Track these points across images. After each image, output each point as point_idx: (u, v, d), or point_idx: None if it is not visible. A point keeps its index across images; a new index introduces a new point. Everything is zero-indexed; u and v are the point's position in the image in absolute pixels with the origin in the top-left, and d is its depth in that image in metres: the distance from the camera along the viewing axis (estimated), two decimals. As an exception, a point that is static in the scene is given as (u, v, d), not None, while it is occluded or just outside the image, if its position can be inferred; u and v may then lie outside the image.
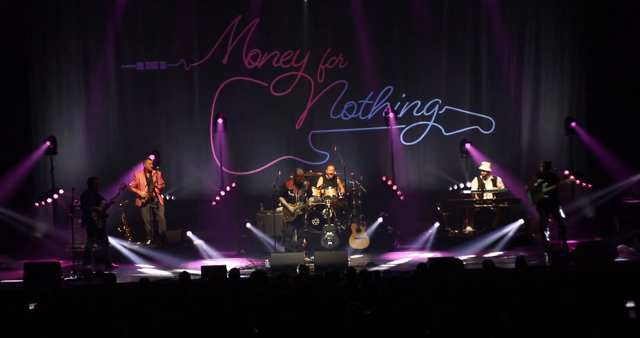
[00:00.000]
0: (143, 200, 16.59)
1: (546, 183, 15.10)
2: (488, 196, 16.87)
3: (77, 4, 18.12)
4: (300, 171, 16.37)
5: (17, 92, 18.00)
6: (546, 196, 15.10)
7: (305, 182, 16.42)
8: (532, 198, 15.37)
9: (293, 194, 16.26)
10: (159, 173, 16.94)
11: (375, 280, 10.28)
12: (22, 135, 17.88)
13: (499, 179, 17.05)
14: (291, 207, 16.16)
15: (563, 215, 15.21)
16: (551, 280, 9.27)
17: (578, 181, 16.53)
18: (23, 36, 17.89)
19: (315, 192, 16.76)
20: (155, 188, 16.65)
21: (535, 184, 15.15)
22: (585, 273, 12.05)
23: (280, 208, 16.38)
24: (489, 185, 16.91)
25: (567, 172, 16.51)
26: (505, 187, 16.95)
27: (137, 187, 16.65)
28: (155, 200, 16.71)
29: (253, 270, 12.96)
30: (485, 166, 17.05)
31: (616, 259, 13.83)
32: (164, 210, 16.95)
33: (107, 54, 18.32)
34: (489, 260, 11.11)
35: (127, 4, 18.04)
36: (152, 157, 16.94)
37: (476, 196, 16.89)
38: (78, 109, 18.28)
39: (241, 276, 11.59)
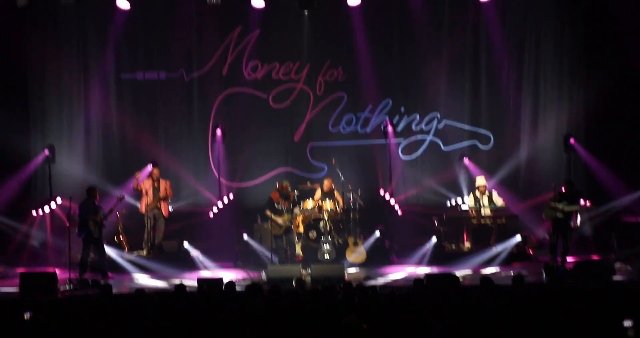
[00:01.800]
0: (148, 208, 16.66)
1: (565, 202, 15.03)
2: (486, 212, 16.84)
3: (77, 14, 18.10)
4: (285, 183, 16.35)
5: (16, 101, 18.02)
6: (561, 216, 15.03)
7: (290, 193, 16.37)
8: (547, 214, 15.28)
9: (280, 206, 16.18)
10: (168, 182, 17.00)
11: (371, 294, 10.25)
12: (21, 144, 17.84)
13: (494, 193, 17.02)
14: (279, 220, 16.10)
15: (571, 238, 15.20)
16: (548, 298, 9.24)
17: (584, 202, 16.35)
18: (23, 45, 17.88)
19: (312, 203, 16.75)
20: (162, 201, 16.71)
21: (555, 204, 15.03)
22: (582, 292, 12.01)
23: (269, 221, 16.28)
24: (485, 200, 16.89)
25: (583, 202, 16.22)
26: (501, 200, 16.88)
27: (141, 194, 16.74)
28: (159, 209, 16.75)
29: (247, 282, 12.93)
30: (481, 181, 17.03)
31: (614, 278, 13.81)
32: (164, 221, 16.94)
33: (107, 63, 18.35)
34: (486, 276, 11.08)
35: (128, 13, 18.03)
36: (155, 166, 17.01)
37: (473, 212, 16.84)
38: (77, 118, 18.30)
39: (237, 288, 11.55)
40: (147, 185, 16.82)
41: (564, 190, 15.32)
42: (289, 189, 16.38)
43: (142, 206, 16.85)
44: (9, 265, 16.10)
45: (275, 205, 16.16)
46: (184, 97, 18.71)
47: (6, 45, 17.49)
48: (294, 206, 16.29)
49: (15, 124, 17.78)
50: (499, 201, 16.84)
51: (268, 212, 16.10)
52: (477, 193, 16.89)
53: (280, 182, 16.39)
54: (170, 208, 17.23)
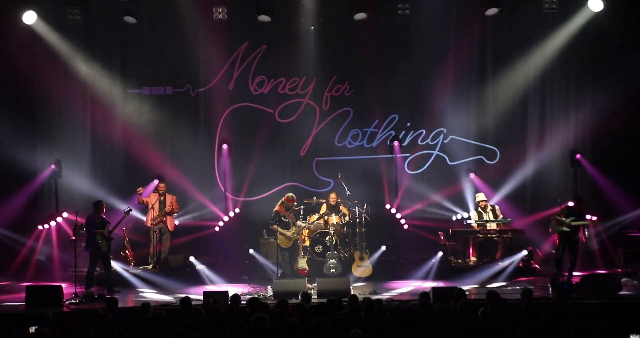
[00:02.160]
0: (153, 222, 16.70)
1: (573, 218, 15.02)
2: (492, 226, 16.83)
3: (84, 28, 18.17)
4: (290, 195, 16.38)
5: (23, 115, 18.06)
6: (567, 229, 15.02)
7: (293, 207, 16.37)
8: (554, 228, 15.25)
9: (286, 220, 16.22)
10: (174, 197, 17.07)
11: (377, 309, 10.24)
12: (28, 158, 17.88)
13: (497, 207, 17.03)
14: (288, 233, 16.11)
15: (578, 253, 15.17)
16: (555, 312, 9.22)
17: (590, 217, 16.30)
18: (30, 60, 17.94)
19: (318, 219, 16.78)
20: (167, 215, 16.76)
21: (563, 218, 15.02)
22: (589, 306, 12.01)
23: (277, 235, 16.25)
24: (487, 215, 16.88)
25: (590, 217, 16.18)
26: (504, 216, 16.88)
27: (147, 207, 16.81)
28: (164, 223, 16.80)
29: (253, 296, 12.93)
30: (481, 196, 17.04)
31: (620, 292, 13.78)
32: (170, 236, 16.98)
33: (114, 78, 18.40)
34: (493, 291, 11.06)
35: (134, 29, 18.11)
36: (160, 181, 17.05)
37: (477, 226, 16.84)
38: (84, 133, 18.36)
39: (242, 302, 11.55)
40: (153, 200, 16.93)
41: (572, 205, 15.31)
42: (295, 202, 16.39)
43: (147, 220, 16.94)
44: (15, 279, 16.11)
45: (282, 219, 16.17)
46: (190, 111, 18.75)
47: (13, 61, 17.54)
48: (297, 219, 16.30)
49: (22, 138, 17.84)
50: (500, 216, 16.85)
51: (276, 226, 16.07)
52: (479, 209, 16.91)
53: (287, 195, 16.40)
54: (176, 222, 17.28)
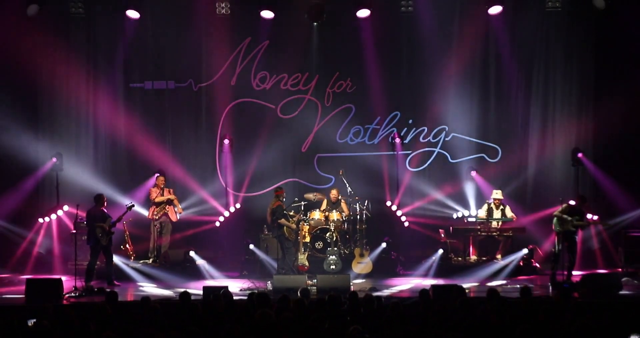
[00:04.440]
0: (156, 216, 16.70)
1: (577, 217, 15.03)
2: (493, 224, 16.82)
3: (87, 23, 18.17)
4: (279, 187, 16.47)
5: (26, 108, 18.05)
6: (572, 228, 15.04)
7: (281, 197, 16.26)
8: (558, 226, 15.25)
9: (285, 211, 16.10)
10: (171, 190, 17.07)
11: (377, 306, 10.24)
12: (29, 151, 17.88)
13: (507, 208, 17.00)
14: (293, 225, 16.01)
15: (576, 251, 15.18)
16: (555, 311, 9.21)
17: (591, 216, 16.31)
18: (32, 54, 17.91)
19: (318, 214, 16.77)
20: (167, 205, 16.76)
21: (567, 216, 15.03)
22: (589, 305, 12.00)
23: (284, 229, 16.14)
24: (497, 213, 16.87)
25: (590, 216, 16.18)
26: (513, 214, 16.88)
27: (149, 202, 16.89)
28: (166, 214, 16.80)
29: (252, 291, 12.91)
30: (498, 194, 17.00)
31: (621, 292, 13.76)
32: (171, 230, 16.98)
33: (116, 73, 18.39)
34: (493, 289, 11.05)
35: (137, 23, 18.07)
36: (159, 175, 17.01)
37: (478, 224, 16.84)
38: (85, 126, 18.35)
39: (240, 297, 11.56)
40: (154, 194, 16.93)
41: (574, 204, 15.30)
42: (284, 194, 16.31)
43: (150, 213, 16.94)
44: (15, 272, 16.11)
45: (284, 212, 16.01)
46: (192, 106, 18.74)
47: (16, 54, 17.48)
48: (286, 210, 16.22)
49: (23, 131, 17.82)
50: (510, 215, 16.84)
51: (283, 220, 15.94)
52: (492, 206, 16.88)
53: (278, 189, 16.29)
54: (178, 216, 17.22)
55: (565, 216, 15.01)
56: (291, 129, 18.75)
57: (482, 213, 16.96)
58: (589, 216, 15.56)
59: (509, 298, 11.02)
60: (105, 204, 15.48)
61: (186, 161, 18.61)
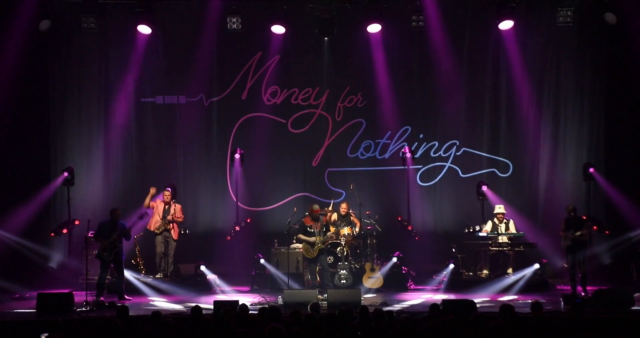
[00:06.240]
0: (157, 230, 16.68)
1: (572, 230, 15.05)
2: (504, 239, 16.77)
3: (98, 38, 18.27)
4: (316, 206, 16.11)
5: (37, 123, 18.14)
6: (571, 243, 15.08)
7: (322, 217, 16.21)
8: (563, 242, 15.35)
9: (312, 230, 15.95)
10: (179, 206, 16.97)
11: (388, 320, 10.21)
12: (41, 166, 17.97)
13: (511, 222, 16.95)
14: (311, 239, 15.78)
15: (585, 262, 15.18)
16: (567, 327, 9.17)
17: (595, 227, 16.38)
18: (44, 68, 18.07)
19: (331, 229, 16.70)
20: (173, 223, 16.73)
21: (564, 233, 15.10)
22: (601, 321, 11.93)
23: (300, 245, 16.05)
24: (502, 228, 16.83)
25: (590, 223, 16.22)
26: (517, 231, 16.84)
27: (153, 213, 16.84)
28: (168, 231, 16.76)
29: (263, 306, 12.88)
30: (501, 209, 16.98)
31: (633, 307, 13.69)
32: (175, 246, 16.91)
33: (127, 87, 18.44)
34: (507, 304, 10.99)
35: (148, 38, 18.14)
36: (169, 189, 16.99)
37: (489, 239, 16.81)
38: (97, 141, 18.43)
39: (251, 312, 11.54)
40: (159, 207, 16.87)
41: (567, 218, 15.32)
42: (320, 212, 16.20)
43: (151, 224, 16.86)
44: (26, 287, 16.14)
45: (308, 229, 15.90)
46: (203, 121, 18.79)
47: (28, 69, 17.60)
48: (326, 229, 16.07)
49: (35, 146, 17.91)
50: (512, 229, 16.81)
51: (301, 236, 15.87)
52: (496, 220, 16.86)
53: (312, 207, 16.13)
54: (183, 231, 17.19)
55: (562, 233, 15.15)
56: (302, 143, 18.79)
57: (489, 228, 16.92)
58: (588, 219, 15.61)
59: (520, 313, 10.95)
60: (118, 218, 15.44)
61: (197, 176, 18.67)
